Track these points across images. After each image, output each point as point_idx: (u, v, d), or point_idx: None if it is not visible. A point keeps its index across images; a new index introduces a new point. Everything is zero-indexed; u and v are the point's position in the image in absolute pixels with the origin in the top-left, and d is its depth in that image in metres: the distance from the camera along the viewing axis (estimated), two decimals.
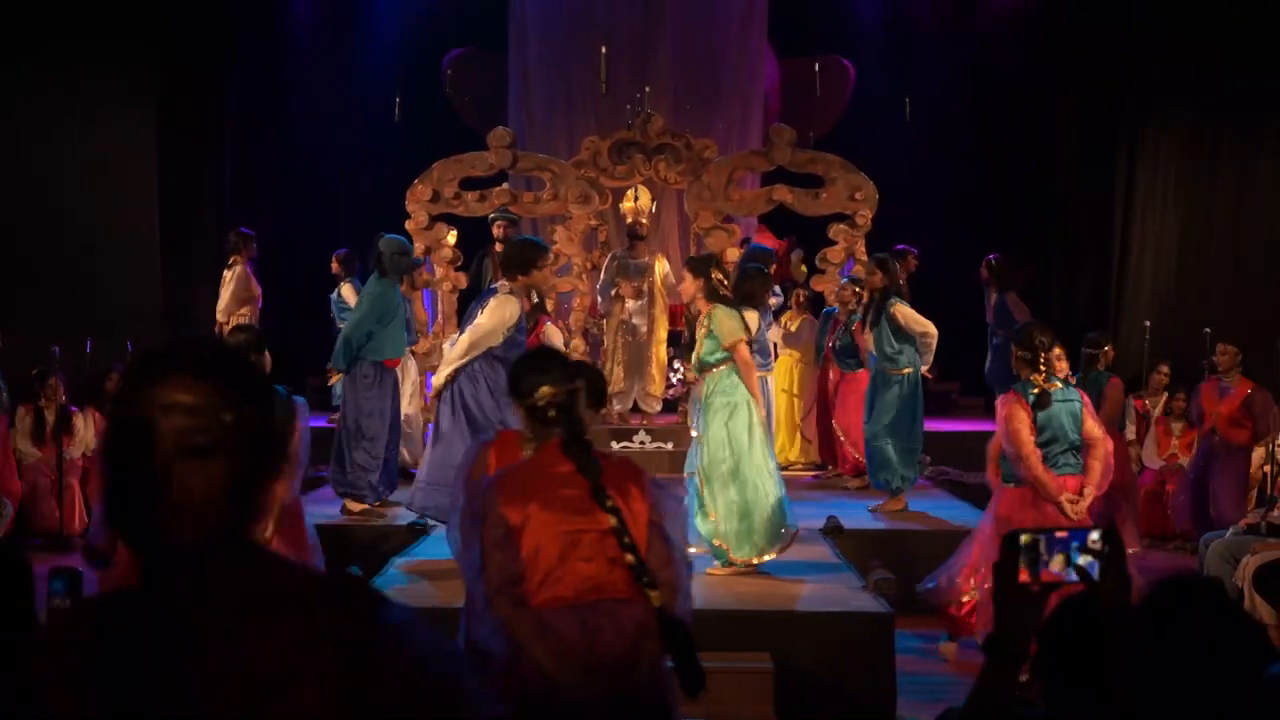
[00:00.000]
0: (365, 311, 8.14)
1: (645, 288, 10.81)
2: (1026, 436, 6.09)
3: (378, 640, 1.53)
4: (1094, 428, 6.20)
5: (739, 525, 6.61)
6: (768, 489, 6.66)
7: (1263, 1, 11.55)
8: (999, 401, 6.36)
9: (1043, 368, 6.16)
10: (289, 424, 6.23)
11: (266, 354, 5.93)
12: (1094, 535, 2.00)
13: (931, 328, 8.55)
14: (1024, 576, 1.99)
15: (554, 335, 9.34)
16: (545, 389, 3.46)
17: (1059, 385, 6.18)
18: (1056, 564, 1.99)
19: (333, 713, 1.49)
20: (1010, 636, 2.03)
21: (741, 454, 6.61)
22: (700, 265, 6.98)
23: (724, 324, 6.68)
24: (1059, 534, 2.01)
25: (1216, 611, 2.19)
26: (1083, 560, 1.98)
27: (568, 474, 3.32)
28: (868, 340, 8.75)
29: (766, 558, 6.71)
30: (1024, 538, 2.00)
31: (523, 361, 3.68)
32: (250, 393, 1.58)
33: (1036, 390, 6.11)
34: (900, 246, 10.71)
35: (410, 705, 1.52)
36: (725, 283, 7.02)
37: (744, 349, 6.69)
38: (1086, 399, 6.33)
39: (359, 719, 1.50)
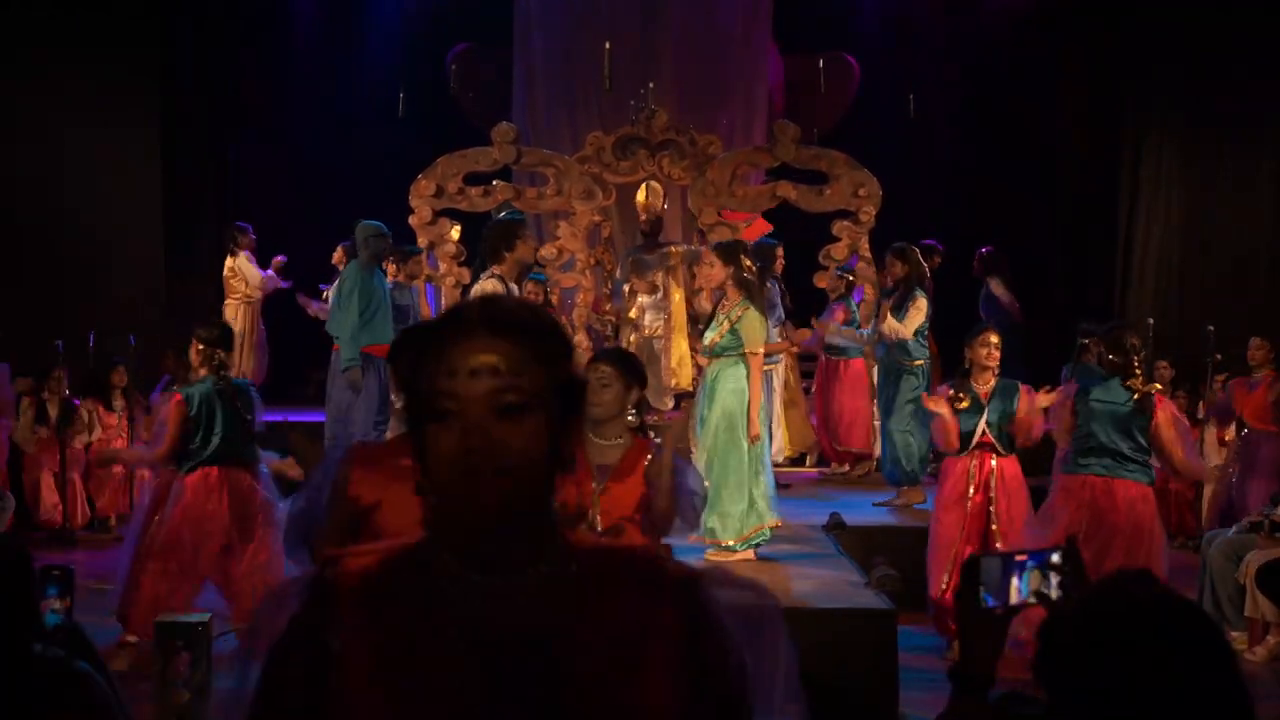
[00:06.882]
0: (353, 302, 8.13)
1: (660, 282, 10.75)
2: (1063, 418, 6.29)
3: (709, 604, 1.61)
4: (1172, 453, 6.23)
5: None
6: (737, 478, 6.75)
7: (1264, 1, 11.52)
8: (1062, 390, 6.53)
9: (1138, 371, 6.17)
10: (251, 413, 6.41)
11: (232, 353, 6.02)
12: (1054, 556, 1.96)
13: (907, 334, 8.58)
14: (986, 601, 1.94)
15: None
16: None
17: (1159, 388, 6.24)
18: (1016, 587, 1.95)
19: (683, 670, 1.56)
20: (975, 662, 1.98)
21: (732, 434, 6.73)
22: (729, 253, 6.95)
23: (753, 331, 6.74)
24: (1018, 556, 1.96)
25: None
26: (1041, 583, 1.94)
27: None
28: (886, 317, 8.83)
29: (725, 541, 6.76)
30: (983, 561, 1.96)
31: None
32: (557, 344, 1.57)
33: (1138, 396, 6.13)
34: (928, 241, 10.71)
35: (733, 669, 1.62)
36: (753, 268, 7.03)
37: (760, 359, 6.77)
38: (1170, 420, 6.26)
39: (700, 677, 1.58)
